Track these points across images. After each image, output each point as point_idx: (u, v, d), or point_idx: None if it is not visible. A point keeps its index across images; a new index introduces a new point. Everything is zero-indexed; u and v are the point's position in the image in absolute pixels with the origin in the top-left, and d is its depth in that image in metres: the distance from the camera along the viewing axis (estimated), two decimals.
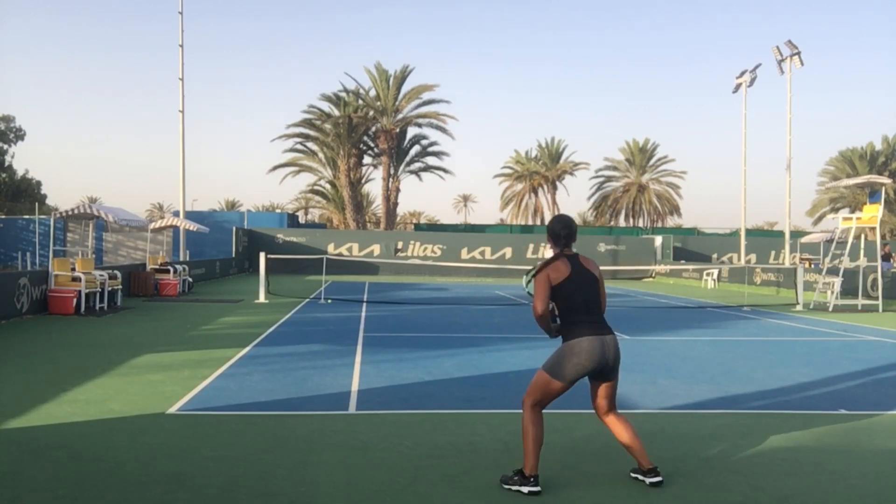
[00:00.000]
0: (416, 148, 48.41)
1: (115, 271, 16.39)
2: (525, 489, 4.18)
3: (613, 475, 4.60)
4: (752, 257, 36.95)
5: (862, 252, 21.75)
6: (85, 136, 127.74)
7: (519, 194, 62.96)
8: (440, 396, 6.99)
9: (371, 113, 46.01)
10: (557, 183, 61.35)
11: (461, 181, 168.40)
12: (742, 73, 33.47)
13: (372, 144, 47.72)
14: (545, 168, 61.80)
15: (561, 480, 4.47)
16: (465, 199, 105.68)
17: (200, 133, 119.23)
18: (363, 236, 38.51)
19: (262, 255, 18.85)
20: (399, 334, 11.95)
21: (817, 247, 29.78)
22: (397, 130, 46.21)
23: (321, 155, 48.22)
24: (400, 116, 46.63)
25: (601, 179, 61.42)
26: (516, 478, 4.26)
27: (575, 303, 4.37)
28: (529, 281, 4.62)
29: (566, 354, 4.30)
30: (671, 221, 58.63)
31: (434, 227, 53.35)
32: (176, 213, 32.42)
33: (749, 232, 38.55)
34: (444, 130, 46.70)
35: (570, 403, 6.84)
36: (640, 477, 4.40)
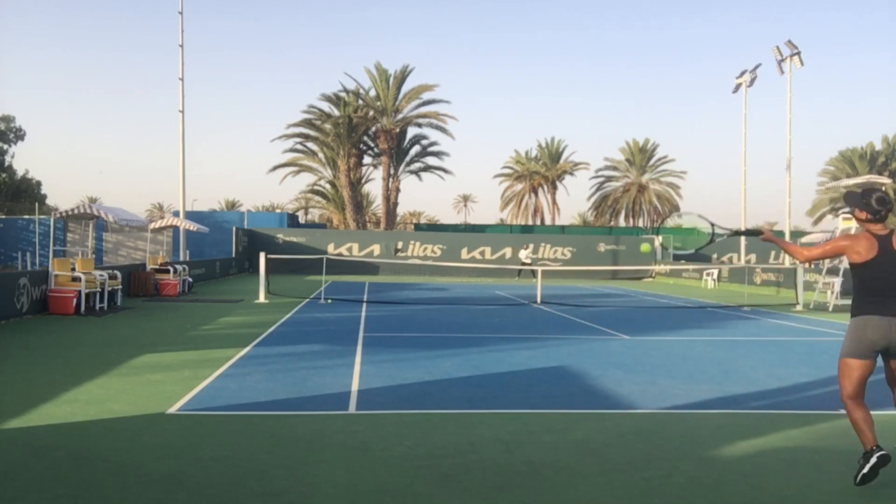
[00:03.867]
0: (416, 148, 48.48)
1: (115, 271, 16.39)
2: (873, 458, 4.27)
3: (613, 474, 4.60)
4: (752, 257, 36.97)
5: None
6: (85, 136, 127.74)
7: (519, 194, 63.01)
8: (440, 396, 6.99)
9: (371, 113, 46.02)
10: (557, 183, 61.42)
11: (461, 181, 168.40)
12: (742, 73, 33.47)
13: (372, 144, 47.75)
14: (545, 168, 61.84)
15: (560, 480, 4.47)
16: (465, 199, 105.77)
17: (200, 133, 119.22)
18: (363, 236, 38.52)
19: (262, 255, 18.85)
20: (399, 334, 11.95)
21: None
22: (397, 130, 46.23)
23: (321, 155, 48.25)
24: (400, 116, 46.66)
25: (601, 179, 61.50)
26: (862, 460, 4.34)
27: (872, 285, 4.37)
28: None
29: (851, 330, 4.39)
30: (671, 221, 58.60)
31: (434, 227, 53.36)
32: (176, 213, 32.42)
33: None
34: (444, 130, 46.78)
35: (570, 404, 6.86)
36: None
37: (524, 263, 31.61)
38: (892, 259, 4.35)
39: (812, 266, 27.75)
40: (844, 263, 19.21)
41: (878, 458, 4.27)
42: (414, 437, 5.43)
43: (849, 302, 16.78)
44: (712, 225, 5.15)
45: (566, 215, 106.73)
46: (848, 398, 4.43)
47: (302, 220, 59.36)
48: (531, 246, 35.09)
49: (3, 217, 39.62)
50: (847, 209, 4.49)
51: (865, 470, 4.31)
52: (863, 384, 4.42)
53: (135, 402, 6.48)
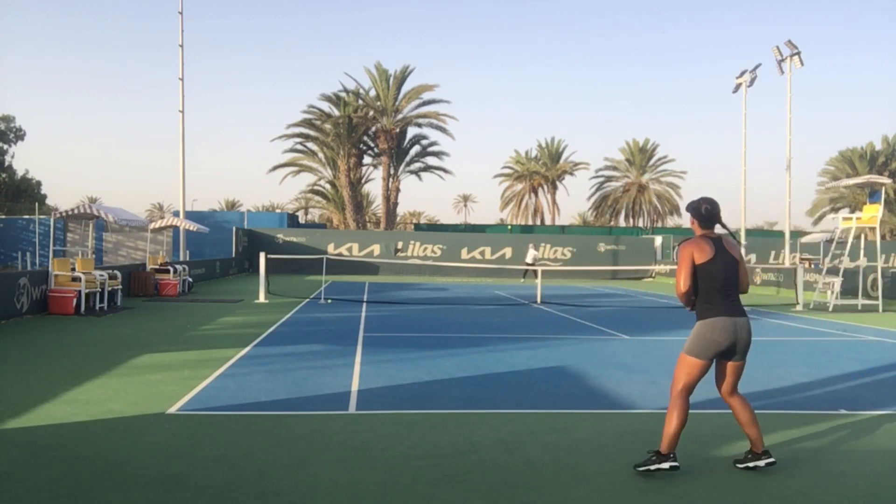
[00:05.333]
0: (416, 148, 48.46)
1: (115, 271, 16.39)
2: (666, 464, 4.45)
3: (613, 474, 4.60)
4: (752, 257, 36.95)
5: (862, 252, 21.73)
6: (85, 136, 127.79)
7: (519, 194, 63.01)
8: (440, 396, 6.99)
9: (371, 113, 46.01)
10: (557, 183, 61.43)
11: (461, 181, 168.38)
12: (742, 73, 33.48)
13: (372, 144, 47.74)
14: (545, 168, 61.84)
15: (561, 480, 4.47)
16: (465, 199, 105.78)
17: (200, 133, 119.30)
18: (363, 236, 38.51)
19: (261, 256, 18.84)
20: (399, 334, 11.95)
21: (817, 247, 29.81)
22: (397, 130, 46.22)
23: (321, 155, 48.24)
24: (400, 116, 46.65)
25: (601, 179, 61.46)
26: (654, 457, 4.51)
27: (714, 284, 4.55)
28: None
29: (700, 333, 4.54)
30: (671, 221, 58.62)
31: (434, 227, 53.34)
32: (176, 213, 32.44)
33: (749, 232, 38.57)
34: (444, 130, 46.77)
35: (570, 403, 6.85)
36: (752, 464, 4.62)
37: (528, 264, 31.39)
38: (729, 258, 4.59)
39: (812, 266, 27.75)
40: (845, 263, 19.23)
41: (671, 466, 4.47)
42: (414, 437, 5.43)
43: (849, 302, 16.70)
44: None
45: (566, 215, 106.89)
46: (681, 392, 4.59)
47: (302, 220, 59.39)
48: (535, 247, 34.62)
49: (3, 217, 39.61)
50: (689, 221, 4.74)
51: (653, 468, 4.49)
52: (697, 383, 4.63)
53: (135, 401, 6.48)
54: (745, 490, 4.35)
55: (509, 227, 50.96)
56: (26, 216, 38.42)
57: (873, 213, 18.30)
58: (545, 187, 62.11)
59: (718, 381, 4.73)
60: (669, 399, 4.63)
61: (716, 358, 4.59)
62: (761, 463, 4.61)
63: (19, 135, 47.35)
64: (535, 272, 31.53)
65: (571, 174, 61.85)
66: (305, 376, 7.84)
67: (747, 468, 4.64)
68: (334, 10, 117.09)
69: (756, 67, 33.01)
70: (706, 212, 4.68)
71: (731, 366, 4.64)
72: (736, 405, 4.68)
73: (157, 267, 20.00)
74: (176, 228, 26.88)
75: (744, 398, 4.74)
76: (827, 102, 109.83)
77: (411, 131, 47.70)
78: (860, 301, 18.57)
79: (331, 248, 35.32)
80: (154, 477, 4.39)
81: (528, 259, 31.73)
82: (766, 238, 44.77)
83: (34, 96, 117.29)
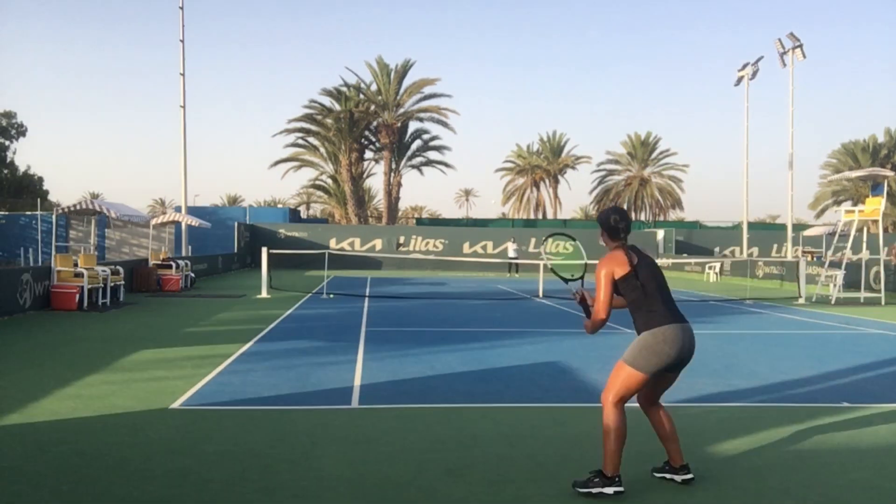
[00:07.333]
0: (418, 142, 48.45)
1: (118, 267, 16.41)
2: (610, 489, 3.99)
3: None
4: (755, 250, 36.93)
5: (864, 245, 21.70)
6: (87, 132, 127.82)
7: (521, 188, 62.99)
8: (443, 390, 6.99)
9: (372, 107, 45.97)
10: (559, 177, 61.42)
11: (463, 175, 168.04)
12: (744, 66, 33.40)
13: (373, 139, 47.71)
14: (547, 162, 61.80)
15: (564, 473, 4.47)
16: (467, 193, 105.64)
17: (202, 129, 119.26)
18: (365, 231, 38.52)
19: (264, 251, 18.85)
20: (401, 329, 11.95)
21: (820, 240, 29.74)
22: (399, 125, 46.17)
23: (322, 150, 48.20)
24: (401, 111, 46.60)
25: (603, 173, 61.43)
26: (596, 479, 4.03)
27: (651, 290, 4.13)
28: (578, 277, 4.53)
29: (650, 344, 4.05)
30: (673, 215, 58.61)
31: (436, 222, 53.38)
32: (178, 209, 32.45)
33: (751, 225, 38.52)
34: (445, 125, 46.80)
35: (572, 397, 6.86)
36: (669, 476, 4.30)
37: (511, 259, 31.23)
38: (651, 261, 4.25)
39: (814, 259, 27.72)
40: (847, 254, 19.21)
41: (615, 492, 3.99)
42: (416, 431, 5.44)
43: (851, 295, 16.69)
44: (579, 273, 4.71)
45: (568, 209, 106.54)
46: (617, 404, 4.06)
47: (304, 215, 59.37)
48: (514, 240, 33.93)
49: (6, 213, 39.63)
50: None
51: (594, 491, 4.00)
52: (632, 397, 4.16)
53: (138, 397, 6.49)
54: (746, 484, 4.35)
55: (511, 222, 50.93)
56: (29, 212, 38.45)
57: (876, 206, 18.26)
58: (547, 181, 62.08)
59: (644, 392, 4.25)
60: (603, 409, 4.09)
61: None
62: (678, 478, 4.27)
63: (21, 131, 47.38)
64: (516, 266, 31.47)
65: (573, 168, 61.86)
66: (308, 371, 7.85)
67: (663, 478, 4.33)
68: (335, 5, 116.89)
69: (758, 60, 32.95)
70: (614, 222, 4.25)
71: (669, 377, 4.23)
72: (662, 417, 4.31)
73: (159, 262, 20.02)
74: (178, 224, 26.88)
75: (667, 410, 4.37)
76: (829, 95, 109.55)
77: (413, 126, 47.71)
78: (863, 294, 18.54)
79: (333, 243, 35.35)
80: (157, 472, 4.40)
81: (511, 254, 31.62)
82: (768, 231, 44.72)
83: (36, 92, 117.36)
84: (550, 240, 4.69)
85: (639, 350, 4.07)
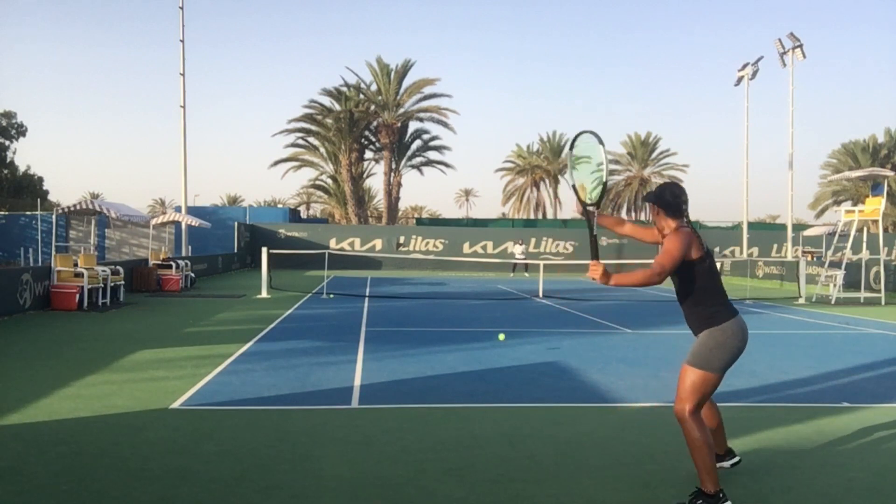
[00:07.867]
0: (418, 142, 48.41)
1: (118, 267, 16.41)
2: None
3: (616, 468, 4.60)
4: (755, 250, 36.91)
5: (864, 245, 21.70)
6: (86, 131, 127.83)
7: (521, 188, 63.01)
8: (443, 391, 6.99)
9: (372, 107, 45.95)
10: (559, 177, 61.36)
11: (463, 175, 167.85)
12: (744, 66, 33.37)
13: (373, 139, 47.69)
14: (547, 162, 61.81)
15: (565, 472, 4.48)
16: (467, 193, 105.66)
17: (202, 128, 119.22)
18: (365, 231, 38.51)
19: (263, 251, 18.85)
20: (401, 329, 11.95)
21: (820, 240, 29.76)
22: (399, 125, 46.15)
23: (322, 150, 48.18)
24: (401, 111, 46.58)
25: None
26: (699, 501, 3.74)
27: (720, 280, 3.88)
28: (595, 203, 4.04)
29: (721, 341, 3.77)
30: None
31: (436, 222, 53.32)
32: (178, 209, 32.43)
33: (751, 225, 38.51)
34: (445, 125, 46.75)
35: (572, 397, 6.86)
36: (718, 464, 4.20)
37: (518, 259, 31.42)
38: (712, 252, 4.01)
39: (814, 259, 27.71)
40: (847, 254, 19.21)
41: None
42: (416, 431, 5.44)
43: (851, 295, 16.68)
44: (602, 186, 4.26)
45: (568, 209, 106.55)
46: (694, 412, 3.77)
47: (304, 215, 59.38)
48: (519, 241, 34.25)
49: (6, 213, 39.63)
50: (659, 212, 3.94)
51: None
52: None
53: (138, 397, 6.49)
54: (747, 483, 4.35)
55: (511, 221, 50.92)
56: (29, 212, 38.43)
57: (876, 206, 18.27)
58: (547, 181, 62.10)
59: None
60: (681, 425, 3.80)
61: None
62: (726, 464, 4.36)
63: (21, 131, 47.36)
64: (524, 267, 31.58)
65: None
66: (308, 371, 7.85)
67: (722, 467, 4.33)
68: (335, 4, 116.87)
69: (758, 60, 32.92)
70: (672, 197, 3.95)
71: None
72: (713, 410, 4.21)
73: (159, 262, 20.01)
74: (178, 224, 26.88)
75: (713, 402, 4.25)
76: (829, 95, 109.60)
77: (413, 126, 47.67)
78: (863, 294, 18.55)
79: (333, 243, 35.34)
80: (157, 472, 4.40)
81: (518, 255, 31.74)
82: (768, 231, 44.69)
83: (36, 92, 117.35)
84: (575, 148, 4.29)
85: (709, 349, 3.78)
